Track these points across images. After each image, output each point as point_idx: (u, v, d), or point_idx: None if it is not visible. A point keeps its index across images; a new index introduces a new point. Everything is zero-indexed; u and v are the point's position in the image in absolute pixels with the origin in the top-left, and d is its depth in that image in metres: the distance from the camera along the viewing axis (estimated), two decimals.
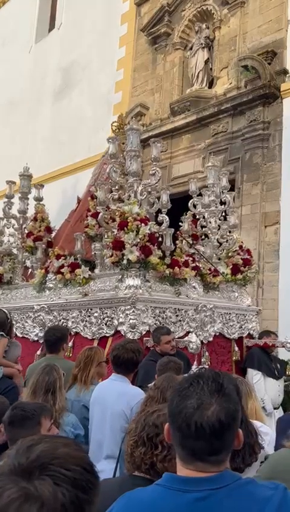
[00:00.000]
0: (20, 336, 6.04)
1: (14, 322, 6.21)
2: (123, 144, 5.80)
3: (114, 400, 3.44)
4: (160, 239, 5.21)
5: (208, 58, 11.57)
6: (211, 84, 11.50)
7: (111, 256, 4.97)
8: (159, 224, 5.24)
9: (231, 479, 1.32)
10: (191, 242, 5.75)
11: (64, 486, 0.90)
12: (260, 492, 1.32)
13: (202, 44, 11.63)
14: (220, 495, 1.28)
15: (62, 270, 5.63)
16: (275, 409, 5.70)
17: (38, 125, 16.25)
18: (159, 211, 5.42)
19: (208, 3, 11.68)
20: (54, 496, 0.88)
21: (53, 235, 6.87)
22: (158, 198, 5.39)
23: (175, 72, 12.25)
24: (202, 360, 5.02)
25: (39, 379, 3.22)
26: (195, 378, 1.42)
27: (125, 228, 4.86)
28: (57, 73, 16.12)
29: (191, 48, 11.98)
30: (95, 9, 14.97)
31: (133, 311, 4.82)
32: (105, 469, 2.98)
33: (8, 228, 6.86)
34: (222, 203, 6.35)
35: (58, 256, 5.74)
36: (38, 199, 6.97)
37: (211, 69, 11.58)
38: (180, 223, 6.20)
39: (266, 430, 3.13)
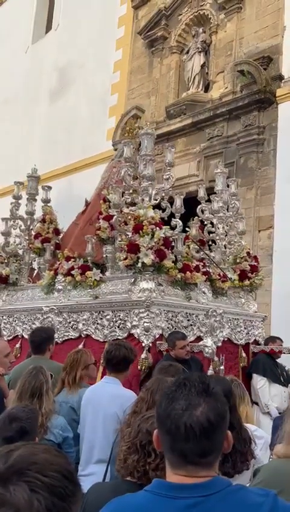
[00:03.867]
0: (27, 337, 6.00)
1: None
2: (133, 148, 5.80)
3: (107, 402, 3.43)
4: (172, 243, 5.24)
5: (205, 63, 11.63)
6: (207, 88, 11.57)
7: (125, 259, 4.97)
8: (172, 228, 5.26)
9: (222, 485, 1.31)
10: (199, 247, 5.79)
11: (41, 493, 0.89)
12: (251, 499, 1.31)
13: (198, 48, 11.69)
14: (211, 501, 1.27)
15: (72, 272, 5.61)
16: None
17: (34, 125, 16.19)
18: (171, 215, 5.45)
19: (205, 7, 11.76)
20: (29, 502, 0.87)
21: (60, 237, 6.83)
22: (171, 203, 5.43)
23: (171, 76, 12.29)
24: (221, 367, 5.05)
25: (25, 383, 3.20)
26: (182, 381, 1.42)
27: (140, 231, 4.87)
28: (53, 74, 16.08)
29: (187, 52, 12.03)
30: (92, 12, 14.95)
31: (148, 315, 4.81)
32: (96, 472, 3.00)
33: (14, 229, 6.81)
34: (228, 209, 6.41)
35: (67, 258, 5.72)
36: (46, 201, 6.93)
37: (207, 73, 11.64)
38: (186, 228, 6.23)
39: (261, 434, 3.17)
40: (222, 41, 11.33)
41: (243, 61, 10.45)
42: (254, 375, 5.86)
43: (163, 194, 5.27)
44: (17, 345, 6.01)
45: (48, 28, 17.36)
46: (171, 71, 12.32)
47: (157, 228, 4.91)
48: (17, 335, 6.17)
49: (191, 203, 6.74)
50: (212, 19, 11.56)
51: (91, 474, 3.09)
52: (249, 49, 10.76)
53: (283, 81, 10.05)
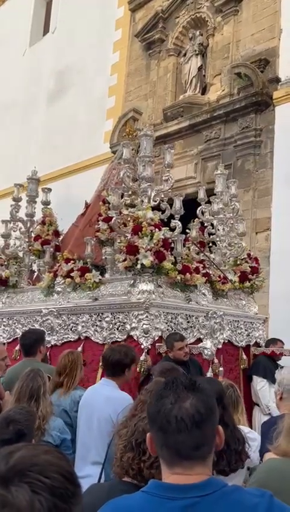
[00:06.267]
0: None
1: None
2: (133, 149, 5.81)
3: (101, 404, 3.45)
4: (172, 245, 5.24)
5: (202, 65, 11.69)
6: (204, 91, 11.63)
7: (124, 260, 4.97)
8: (172, 230, 5.27)
9: (218, 486, 1.33)
10: (199, 249, 5.79)
11: (42, 494, 0.89)
12: (247, 500, 1.33)
13: (195, 51, 11.75)
14: (208, 502, 1.29)
15: (72, 274, 5.60)
16: None
17: (32, 128, 16.21)
18: (171, 217, 5.46)
19: (202, 10, 11.82)
20: (30, 503, 0.87)
21: (60, 239, 6.83)
22: (170, 204, 5.43)
23: (168, 78, 12.35)
24: (220, 369, 5.04)
25: (23, 385, 3.21)
26: (170, 380, 1.47)
27: (139, 233, 4.88)
28: (51, 77, 16.10)
29: (184, 55, 12.09)
30: (89, 15, 14.97)
31: (147, 316, 4.80)
32: (93, 473, 2.99)
33: (14, 231, 6.80)
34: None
35: (67, 260, 5.71)
36: (46, 203, 6.93)
37: (204, 75, 11.70)
38: (187, 230, 6.24)
39: (254, 436, 3.18)
40: (218, 44, 11.39)
41: (240, 64, 10.52)
42: (254, 377, 5.86)
43: (162, 196, 5.27)
44: (17, 348, 5.97)
45: (46, 30, 17.41)
46: (169, 74, 12.38)
47: (157, 229, 4.91)
48: (17, 337, 6.13)
49: (188, 205, 6.76)
50: (209, 21, 11.62)
51: (88, 476, 3.07)
52: (246, 52, 10.82)
53: (279, 83, 10.11)
